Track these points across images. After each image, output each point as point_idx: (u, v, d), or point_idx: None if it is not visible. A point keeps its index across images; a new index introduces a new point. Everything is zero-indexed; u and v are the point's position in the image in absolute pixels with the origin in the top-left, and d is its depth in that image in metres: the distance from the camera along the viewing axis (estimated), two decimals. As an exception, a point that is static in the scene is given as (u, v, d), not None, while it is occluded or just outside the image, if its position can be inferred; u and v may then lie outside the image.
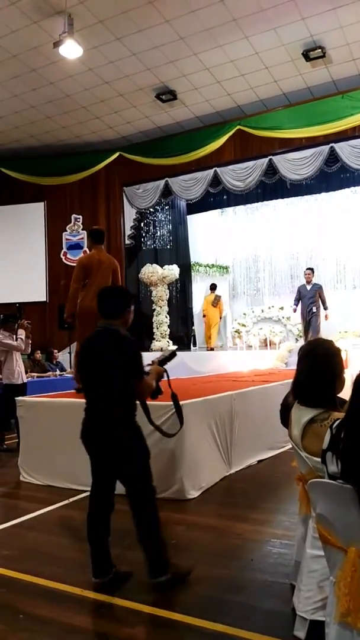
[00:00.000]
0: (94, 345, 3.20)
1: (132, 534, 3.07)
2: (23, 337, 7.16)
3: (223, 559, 3.43)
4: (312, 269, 11.19)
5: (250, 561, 3.38)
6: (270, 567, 3.23)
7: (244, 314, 13.55)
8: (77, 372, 3.72)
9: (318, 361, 2.47)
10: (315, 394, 2.43)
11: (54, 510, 4.60)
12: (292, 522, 3.74)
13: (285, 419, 3.02)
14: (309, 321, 10.84)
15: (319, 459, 2.31)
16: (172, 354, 3.50)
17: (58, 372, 10.17)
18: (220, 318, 13.08)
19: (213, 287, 13.03)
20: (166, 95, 10.38)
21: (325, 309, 10.81)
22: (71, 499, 4.83)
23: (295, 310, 11.19)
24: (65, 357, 11.52)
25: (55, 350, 11.05)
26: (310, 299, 10.81)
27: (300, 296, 10.95)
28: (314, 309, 10.75)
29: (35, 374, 9.54)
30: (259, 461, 5.89)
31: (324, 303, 10.81)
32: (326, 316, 10.80)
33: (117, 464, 3.11)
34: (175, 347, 11.41)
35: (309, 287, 10.94)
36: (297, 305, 11.00)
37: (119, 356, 3.06)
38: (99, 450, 3.16)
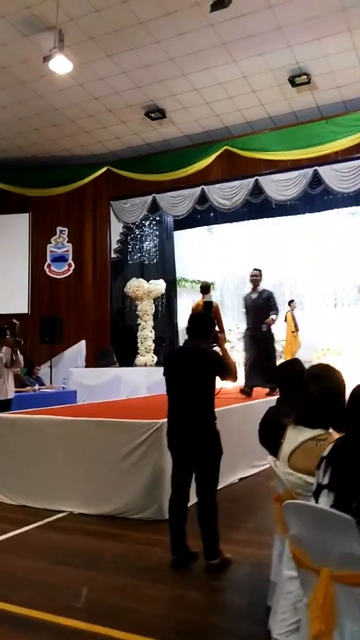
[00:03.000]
0: (181, 359, 3.78)
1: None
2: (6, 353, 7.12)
3: (201, 580, 3.41)
4: (259, 270, 7.94)
5: (228, 582, 3.37)
6: (248, 589, 3.23)
7: (229, 330, 13.55)
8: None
9: (328, 386, 2.50)
10: (322, 418, 2.46)
11: (28, 531, 4.50)
12: (271, 542, 3.73)
13: (266, 438, 3.04)
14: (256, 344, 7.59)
15: (302, 475, 2.36)
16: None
17: (37, 387, 10.05)
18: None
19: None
20: (155, 113, 10.48)
21: (276, 314, 7.66)
22: (46, 520, 4.75)
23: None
24: (45, 371, 11.42)
25: (36, 365, 10.95)
26: (257, 311, 7.60)
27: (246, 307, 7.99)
28: (264, 327, 7.46)
29: (15, 389, 9.40)
30: (241, 479, 5.89)
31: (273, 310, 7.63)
32: (272, 320, 7.54)
33: (199, 463, 3.61)
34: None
35: (254, 295, 7.75)
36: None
37: (206, 364, 3.63)
38: (187, 452, 3.64)
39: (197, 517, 3.58)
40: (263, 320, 7.45)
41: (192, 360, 3.67)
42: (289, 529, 2.12)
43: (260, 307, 7.56)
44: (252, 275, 7.96)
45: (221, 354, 3.79)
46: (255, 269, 8.05)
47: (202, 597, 3.18)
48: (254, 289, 7.84)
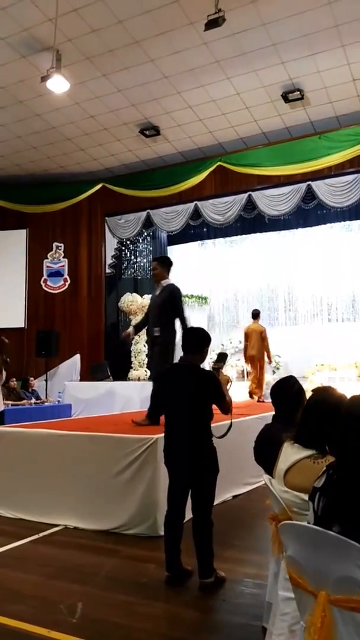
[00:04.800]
0: (177, 378, 3.76)
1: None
2: None
3: (194, 598, 3.42)
4: (157, 261, 6.24)
5: (222, 601, 3.37)
6: (243, 608, 3.23)
7: (222, 344, 13.64)
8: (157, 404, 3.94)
9: (332, 410, 2.48)
10: (321, 440, 2.46)
11: (24, 545, 4.50)
12: (266, 561, 3.74)
13: (262, 456, 3.06)
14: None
15: (298, 493, 2.37)
16: (223, 356, 4.06)
17: (33, 401, 10.06)
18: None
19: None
20: (149, 130, 10.60)
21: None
22: (41, 534, 4.74)
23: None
24: (41, 384, 11.44)
25: (32, 378, 10.96)
26: (155, 313, 5.94)
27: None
28: (156, 332, 5.77)
29: (10, 402, 9.44)
30: (234, 496, 5.89)
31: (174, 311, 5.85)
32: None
33: (195, 479, 3.62)
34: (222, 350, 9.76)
35: (156, 292, 6.13)
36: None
37: (201, 387, 3.63)
38: (184, 469, 3.63)
39: (192, 534, 3.59)
40: (161, 324, 5.78)
41: (189, 379, 3.68)
42: (285, 550, 2.14)
43: (160, 308, 5.90)
44: (151, 269, 6.47)
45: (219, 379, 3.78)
46: (153, 260, 6.61)
47: (196, 616, 3.19)
48: (157, 285, 6.19)
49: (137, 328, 6.36)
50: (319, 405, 2.58)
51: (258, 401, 9.49)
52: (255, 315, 10.21)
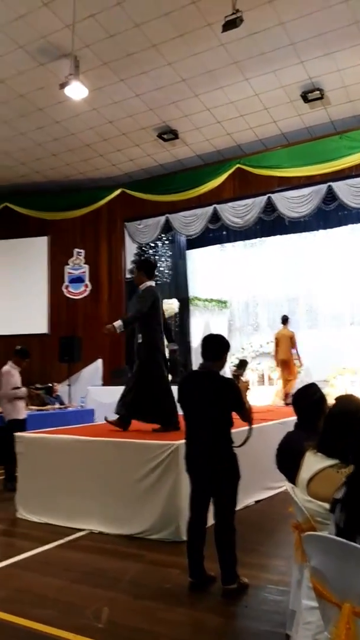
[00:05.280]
0: (196, 385, 3.74)
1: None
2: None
3: (217, 605, 3.39)
4: (135, 265, 5.82)
5: (245, 608, 3.34)
6: (265, 615, 3.19)
7: (242, 348, 13.57)
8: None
9: (353, 422, 2.47)
10: (344, 450, 2.43)
11: (50, 549, 4.55)
12: (289, 567, 3.69)
13: (284, 465, 3.02)
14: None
15: (321, 503, 2.33)
16: (244, 363, 4.09)
17: (57, 406, 10.14)
18: None
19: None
20: (168, 134, 10.60)
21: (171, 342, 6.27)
22: (67, 538, 4.79)
23: None
24: (64, 389, 11.50)
25: (56, 384, 11.03)
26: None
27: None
28: (139, 339, 5.84)
29: (35, 407, 9.51)
30: (257, 501, 5.84)
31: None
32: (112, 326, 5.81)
33: (217, 486, 3.61)
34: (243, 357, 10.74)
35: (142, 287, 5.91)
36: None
37: (220, 394, 3.61)
38: (205, 475, 3.63)
39: (214, 540, 3.56)
40: (141, 330, 5.82)
41: (208, 386, 3.66)
42: (309, 560, 2.10)
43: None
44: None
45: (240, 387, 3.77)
46: (132, 263, 6.52)
47: (219, 623, 3.16)
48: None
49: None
50: (341, 413, 2.55)
51: (287, 404, 9.57)
52: (285, 320, 10.81)
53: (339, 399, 2.74)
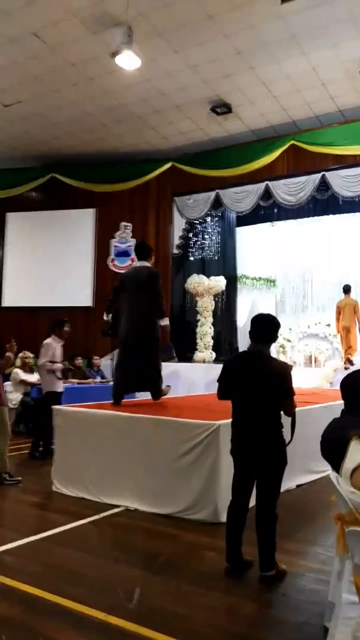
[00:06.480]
0: (248, 367, 3.60)
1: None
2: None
3: (254, 591, 3.34)
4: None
5: (283, 596, 3.27)
6: (303, 605, 3.12)
7: (290, 329, 13.31)
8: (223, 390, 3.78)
9: None
10: None
11: (84, 525, 4.55)
12: (328, 555, 3.61)
13: (328, 453, 2.91)
14: None
15: None
16: None
17: (99, 379, 10.22)
18: None
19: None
20: (221, 108, 10.35)
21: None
22: (102, 514, 4.80)
23: None
24: (107, 363, 11.57)
25: (97, 357, 11.10)
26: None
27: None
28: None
29: (76, 380, 9.61)
30: (298, 485, 5.75)
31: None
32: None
33: (262, 471, 3.53)
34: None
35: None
36: None
37: (275, 378, 3.51)
38: (252, 460, 3.55)
39: (255, 525, 3.50)
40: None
41: (261, 368, 3.56)
42: (351, 556, 2.02)
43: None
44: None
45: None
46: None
47: (255, 610, 3.11)
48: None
49: None
50: None
51: (346, 368, 10.25)
52: (347, 289, 11.04)
53: None
